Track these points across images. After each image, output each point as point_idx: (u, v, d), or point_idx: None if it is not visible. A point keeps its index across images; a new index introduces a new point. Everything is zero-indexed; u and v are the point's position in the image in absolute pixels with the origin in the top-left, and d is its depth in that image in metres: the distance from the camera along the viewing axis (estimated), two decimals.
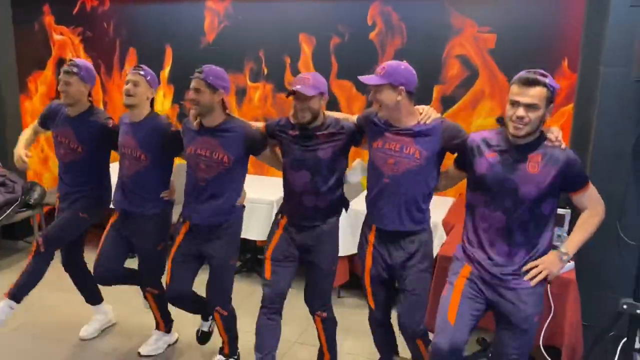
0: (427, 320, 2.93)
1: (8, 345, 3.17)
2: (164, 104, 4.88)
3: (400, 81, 2.27)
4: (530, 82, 2.00)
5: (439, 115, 2.39)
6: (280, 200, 3.73)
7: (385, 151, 2.37)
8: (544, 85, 2.01)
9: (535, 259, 2.15)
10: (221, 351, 3.01)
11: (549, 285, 2.58)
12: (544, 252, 2.17)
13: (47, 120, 3.05)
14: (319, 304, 2.71)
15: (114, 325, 3.43)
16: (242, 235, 3.88)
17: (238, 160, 2.64)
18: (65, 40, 5.12)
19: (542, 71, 2.04)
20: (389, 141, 2.37)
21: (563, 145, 2.10)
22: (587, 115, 3.02)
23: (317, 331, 2.80)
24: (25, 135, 3.13)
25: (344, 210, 2.72)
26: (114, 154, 3.02)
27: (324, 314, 2.72)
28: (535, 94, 2.00)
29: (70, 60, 2.91)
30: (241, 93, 4.60)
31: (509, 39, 3.78)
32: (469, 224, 2.26)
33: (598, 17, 2.92)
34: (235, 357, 3.02)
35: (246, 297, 3.70)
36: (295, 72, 4.38)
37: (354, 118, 2.61)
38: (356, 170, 2.67)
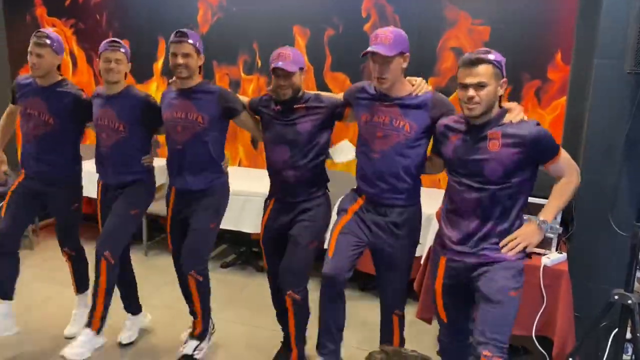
0: (419, 312, 2.96)
1: None
2: (157, 96, 4.84)
3: (407, 47, 2.27)
4: (474, 62, 2.01)
5: (430, 87, 2.37)
6: None
7: (374, 124, 2.35)
8: (489, 62, 2.01)
9: (512, 231, 2.12)
10: (192, 335, 2.89)
11: (541, 277, 2.60)
12: (519, 225, 2.14)
13: (15, 96, 2.97)
14: (292, 282, 2.57)
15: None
16: (236, 228, 3.94)
17: (213, 121, 2.66)
18: (57, 33, 5.07)
19: (485, 49, 2.05)
20: (377, 114, 2.35)
21: (521, 118, 2.06)
22: (580, 108, 3.02)
23: (287, 313, 2.65)
24: (1, 128, 3.10)
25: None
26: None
27: (297, 296, 2.56)
28: (481, 72, 2.00)
29: (39, 31, 2.83)
30: (235, 85, 4.59)
31: (503, 32, 3.78)
32: (447, 204, 2.23)
33: (591, 10, 2.92)
34: (211, 330, 2.96)
35: (240, 290, 3.71)
36: None
37: (339, 96, 2.59)
38: (343, 150, 2.66)
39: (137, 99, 2.81)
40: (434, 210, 3.39)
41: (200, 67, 2.69)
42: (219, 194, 2.81)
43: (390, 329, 2.59)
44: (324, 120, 2.54)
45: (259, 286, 3.88)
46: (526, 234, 2.11)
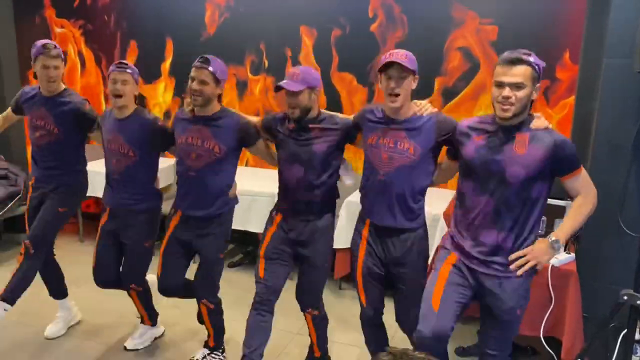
0: None
1: None
2: (164, 97, 4.88)
3: (416, 68, 2.27)
4: (514, 62, 1.98)
5: (435, 109, 2.36)
6: None
7: (379, 146, 2.34)
8: (528, 63, 1.98)
9: (525, 246, 2.10)
10: (206, 344, 2.99)
11: (549, 277, 2.59)
12: (534, 239, 2.13)
13: (21, 106, 3.02)
14: (310, 302, 2.69)
15: (79, 323, 3.35)
16: (243, 228, 3.95)
17: (230, 151, 2.64)
18: (66, 34, 5.12)
19: (525, 50, 2.02)
20: (383, 136, 2.34)
21: (547, 125, 2.06)
22: (588, 107, 3.01)
23: (308, 328, 2.80)
24: None
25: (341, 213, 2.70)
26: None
27: (315, 312, 2.71)
28: (520, 72, 1.98)
29: (48, 42, 2.83)
30: (242, 86, 4.60)
31: (511, 31, 3.77)
32: (458, 211, 2.23)
33: (600, 9, 2.90)
34: (221, 350, 2.99)
35: (247, 291, 3.69)
36: (296, 64, 4.37)
37: (350, 117, 2.59)
38: (347, 172, 2.66)
39: (145, 124, 2.77)
40: (441, 210, 3.39)
41: (219, 95, 2.62)
42: (227, 222, 2.80)
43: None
44: (338, 142, 2.53)
45: None
46: (536, 252, 2.09)
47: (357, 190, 2.57)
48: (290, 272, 2.67)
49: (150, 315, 3.12)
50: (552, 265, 2.61)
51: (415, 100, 2.37)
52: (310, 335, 2.82)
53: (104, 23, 4.98)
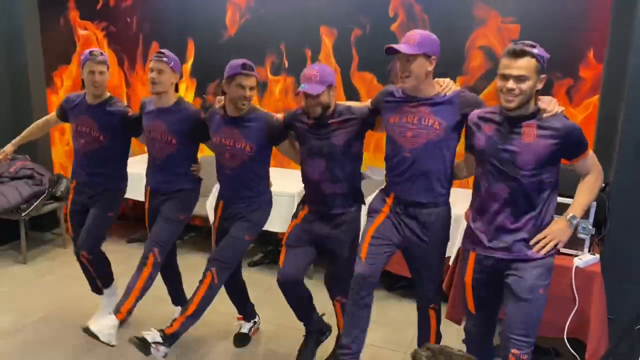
0: (448, 312, 2.94)
1: (35, 333, 3.26)
2: (186, 97, 4.91)
3: (434, 51, 2.28)
4: (518, 54, 2.00)
5: (458, 87, 2.37)
6: (300, 193, 3.75)
7: (403, 125, 2.36)
8: (532, 55, 2.00)
9: (542, 228, 2.14)
10: (244, 318, 3.19)
11: (573, 278, 2.56)
12: (549, 221, 2.15)
13: (66, 113, 3.12)
14: (339, 290, 2.71)
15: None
16: (264, 228, 3.96)
17: (260, 149, 2.71)
18: (89, 35, 5.20)
19: (530, 42, 2.03)
20: (405, 114, 2.36)
21: (558, 109, 2.07)
22: (613, 107, 2.96)
23: (336, 316, 2.83)
24: (30, 128, 3.28)
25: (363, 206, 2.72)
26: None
27: (345, 299, 2.69)
28: (524, 65, 1.99)
29: (94, 49, 2.96)
30: (262, 86, 4.62)
31: (533, 30, 3.72)
32: (476, 200, 2.25)
33: (627, 6, 2.86)
34: (255, 322, 3.20)
35: (267, 289, 3.73)
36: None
37: (367, 103, 2.61)
38: (373, 172, 2.68)
39: (188, 115, 2.87)
40: (463, 210, 3.37)
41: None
42: (262, 209, 2.89)
43: (427, 324, 2.62)
44: (358, 131, 2.56)
45: None
46: (556, 231, 2.13)
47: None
48: (311, 260, 2.75)
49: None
50: (576, 267, 2.59)
51: (438, 79, 2.37)
52: (337, 324, 2.85)
53: (127, 25, 5.05)
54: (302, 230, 2.70)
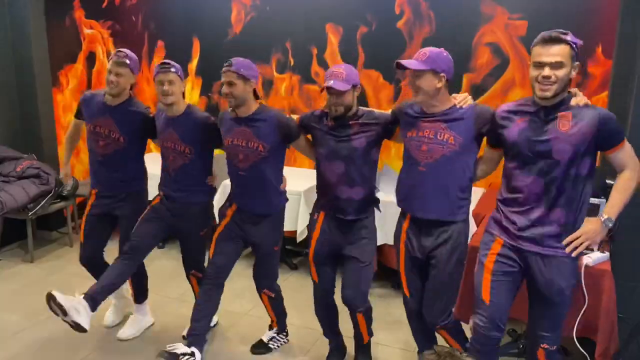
0: (457, 311, 2.92)
1: (42, 332, 3.27)
2: (192, 96, 4.92)
3: (443, 68, 2.26)
4: (552, 40, 1.99)
5: (473, 101, 2.37)
6: (308, 191, 3.73)
7: (419, 139, 2.36)
8: (566, 42, 1.98)
9: (575, 222, 2.11)
10: (270, 327, 3.13)
11: (582, 277, 2.53)
12: (583, 216, 2.13)
13: (82, 111, 3.08)
14: (362, 301, 2.69)
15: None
16: None
17: (274, 148, 2.68)
18: (95, 34, 5.20)
19: (561, 30, 2.01)
20: (422, 129, 2.36)
21: (586, 101, 2.06)
22: (623, 103, 2.94)
23: (358, 322, 2.79)
24: (66, 144, 3.30)
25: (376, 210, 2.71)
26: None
27: (366, 306, 2.73)
28: (558, 51, 1.98)
29: (119, 50, 2.90)
30: (268, 84, 4.61)
31: (541, 26, 3.62)
32: (506, 194, 2.22)
33: (635, 2, 2.83)
34: (285, 334, 3.15)
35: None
36: (322, 62, 4.37)
37: (388, 112, 2.60)
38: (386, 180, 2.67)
39: (198, 121, 2.83)
40: (470, 209, 3.35)
41: (254, 91, 2.66)
42: (280, 215, 2.88)
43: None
44: (377, 137, 2.56)
45: (292, 284, 3.91)
46: (590, 232, 2.10)
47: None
48: (336, 269, 2.78)
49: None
50: (586, 265, 2.56)
51: (455, 94, 2.37)
52: (359, 325, 2.80)
53: (132, 23, 5.05)
54: (322, 244, 2.69)
